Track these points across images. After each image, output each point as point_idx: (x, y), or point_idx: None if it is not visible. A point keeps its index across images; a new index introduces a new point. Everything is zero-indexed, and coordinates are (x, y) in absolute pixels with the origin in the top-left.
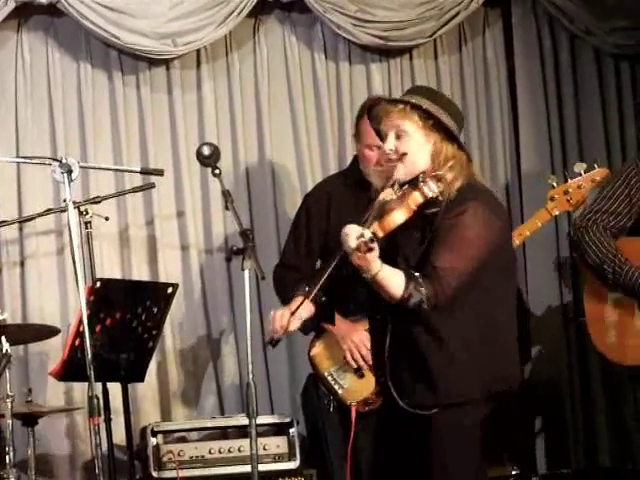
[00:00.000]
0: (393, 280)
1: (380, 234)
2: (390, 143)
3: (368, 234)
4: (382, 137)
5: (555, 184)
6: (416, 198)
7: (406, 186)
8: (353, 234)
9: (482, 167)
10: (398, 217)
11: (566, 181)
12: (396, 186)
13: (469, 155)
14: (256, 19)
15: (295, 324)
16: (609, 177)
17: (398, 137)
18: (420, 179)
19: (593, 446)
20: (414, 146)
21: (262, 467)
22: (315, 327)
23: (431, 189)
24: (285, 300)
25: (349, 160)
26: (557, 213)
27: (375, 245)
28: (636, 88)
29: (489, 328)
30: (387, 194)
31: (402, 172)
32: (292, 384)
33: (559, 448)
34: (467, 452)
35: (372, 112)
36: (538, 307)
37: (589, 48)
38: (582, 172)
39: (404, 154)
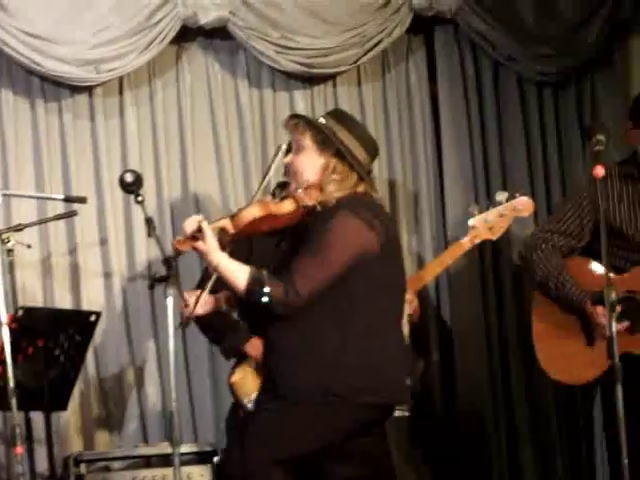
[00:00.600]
0: (236, 273)
1: (230, 229)
2: (288, 157)
3: (203, 224)
4: None
5: (477, 212)
6: (286, 205)
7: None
8: (190, 223)
9: (406, 193)
10: (249, 214)
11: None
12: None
13: (365, 177)
14: (179, 46)
15: (199, 310)
16: (561, 200)
17: (297, 151)
18: (297, 188)
19: (518, 472)
20: (306, 160)
21: None
22: (236, 352)
23: (307, 198)
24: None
25: (272, 187)
26: (478, 242)
27: (207, 234)
28: (559, 115)
29: (353, 336)
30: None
31: (294, 185)
32: (216, 412)
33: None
34: (272, 445)
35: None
36: (462, 327)
37: (512, 75)
38: (504, 200)
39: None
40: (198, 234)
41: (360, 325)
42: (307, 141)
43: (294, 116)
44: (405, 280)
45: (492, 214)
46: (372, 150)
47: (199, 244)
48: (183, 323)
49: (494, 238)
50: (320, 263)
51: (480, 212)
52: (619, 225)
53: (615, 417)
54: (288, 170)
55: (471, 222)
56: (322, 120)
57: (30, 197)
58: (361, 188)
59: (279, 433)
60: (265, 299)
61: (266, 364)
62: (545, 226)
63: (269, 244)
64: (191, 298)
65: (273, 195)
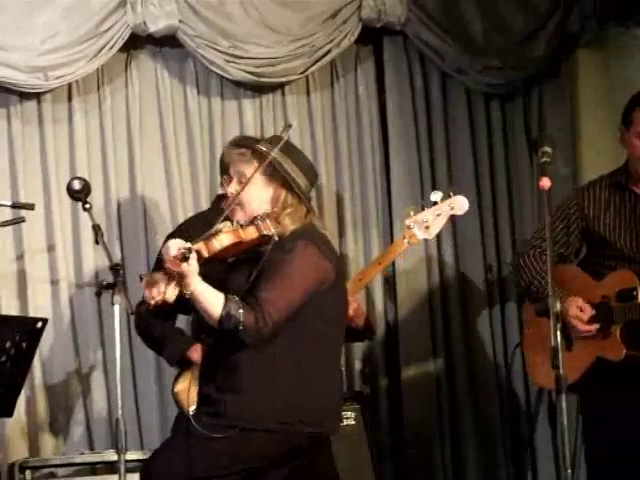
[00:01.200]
0: (212, 299)
1: (205, 253)
2: (232, 187)
3: (189, 245)
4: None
5: (412, 213)
6: (250, 232)
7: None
8: (175, 245)
9: (353, 203)
10: (223, 239)
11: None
12: (235, 223)
13: (310, 207)
14: (128, 54)
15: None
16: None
17: (241, 182)
18: (259, 217)
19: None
20: (254, 192)
21: None
22: (180, 358)
23: (266, 227)
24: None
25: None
26: (415, 242)
27: (192, 256)
28: (506, 126)
29: (297, 368)
30: (224, 225)
31: (240, 215)
32: (162, 419)
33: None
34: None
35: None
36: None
37: (460, 86)
38: (439, 200)
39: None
40: (189, 254)
41: (310, 354)
42: (252, 171)
43: (238, 144)
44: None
45: (428, 214)
46: (313, 178)
47: (184, 266)
48: (147, 307)
49: (430, 237)
50: (285, 292)
51: (416, 213)
52: (603, 233)
53: (593, 422)
54: (231, 200)
55: (407, 222)
56: (262, 148)
57: None
58: (309, 219)
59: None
60: (240, 327)
61: (216, 385)
62: (536, 234)
63: (215, 268)
64: (160, 282)
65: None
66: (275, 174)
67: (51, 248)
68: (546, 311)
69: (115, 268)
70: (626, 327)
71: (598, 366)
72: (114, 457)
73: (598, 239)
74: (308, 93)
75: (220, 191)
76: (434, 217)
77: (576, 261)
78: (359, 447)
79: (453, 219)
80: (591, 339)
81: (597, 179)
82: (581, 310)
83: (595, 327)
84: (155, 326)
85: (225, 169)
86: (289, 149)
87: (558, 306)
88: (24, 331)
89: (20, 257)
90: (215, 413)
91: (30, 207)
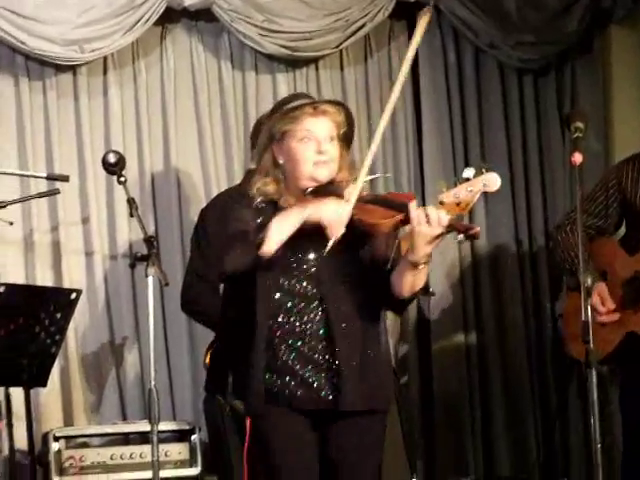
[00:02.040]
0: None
1: None
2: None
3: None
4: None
5: (445, 189)
6: None
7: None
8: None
9: (386, 178)
10: None
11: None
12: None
13: None
14: (163, 27)
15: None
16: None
17: (332, 140)
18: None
19: (491, 454)
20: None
21: (163, 473)
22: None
23: None
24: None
25: None
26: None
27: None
28: (539, 101)
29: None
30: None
31: (331, 174)
32: (194, 391)
33: (460, 457)
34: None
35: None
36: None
37: (493, 62)
38: (471, 177)
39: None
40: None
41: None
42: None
43: (338, 103)
44: None
45: (460, 190)
46: None
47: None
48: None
49: (464, 213)
50: None
51: (448, 189)
52: (638, 206)
53: (623, 395)
54: (330, 155)
55: (440, 197)
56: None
57: (13, 174)
58: None
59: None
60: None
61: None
62: (575, 211)
63: None
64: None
65: None
66: (347, 142)
67: (85, 220)
68: (577, 286)
69: (149, 240)
70: None
71: (632, 340)
72: (147, 427)
73: (636, 213)
74: (342, 68)
75: (252, 165)
76: (466, 193)
77: (613, 237)
78: (390, 421)
79: (485, 194)
80: (623, 314)
81: (635, 155)
82: (602, 300)
83: (614, 318)
84: None
85: None
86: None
87: (589, 281)
88: (58, 302)
89: (55, 229)
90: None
91: (65, 179)
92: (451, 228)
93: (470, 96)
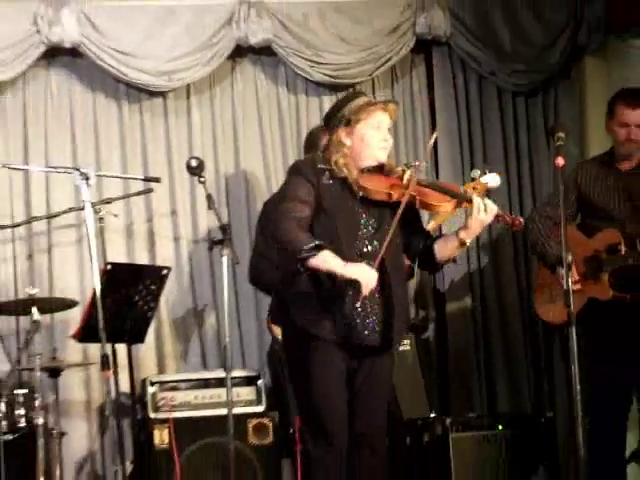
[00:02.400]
0: None
1: None
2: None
3: None
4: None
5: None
6: None
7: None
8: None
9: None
10: None
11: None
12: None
13: None
14: (234, 60)
15: None
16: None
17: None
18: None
19: (493, 394)
20: None
21: (235, 410)
22: None
23: None
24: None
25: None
26: (459, 209)
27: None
28: (529, 117)
29: None
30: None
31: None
32: (260, 345)
33: (466, 396)
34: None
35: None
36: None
37: (493, 86)
38: (476, 177)
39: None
40: None
41: None
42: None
43: (396, 103)
44: None
45: (469, 187)
46: None
47: None
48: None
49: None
50: None
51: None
52: (593, 200)
53: (587, 351)
54: (389, 142)
55: None
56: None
57: (117, 177)
58: None
59: None
60: None
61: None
62: (542, 202)
63: None
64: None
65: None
66: None
67: (173, 212)
68: (545, 263)
69: (223, 227)
70: (612, 274)
71: (592, 304)
72: (222, 374)
73: (589, 205)
74: (374, 92)
75: None
76: (473, 189)
77: (574, 223)
78: (413, 367)
79: (487, 192)
80: (585, 284)
81: (589, 159)
82: (573, 261)
83: (579, 287)
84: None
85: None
86: None
87: (570, 258)
88: (152, 277)
89: (149, 219)
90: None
91: (157, 180)
92: (501, 218)
93: (475, 113)
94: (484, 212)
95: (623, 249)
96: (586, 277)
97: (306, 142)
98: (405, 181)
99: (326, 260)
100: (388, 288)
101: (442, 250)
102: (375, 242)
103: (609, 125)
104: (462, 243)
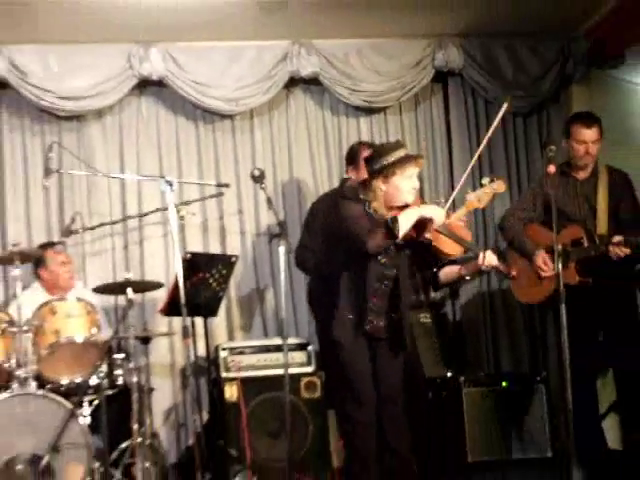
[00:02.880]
0: None
1: None
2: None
3: None
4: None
5: (470, 191)
6: None
7: None
8: None
9: (430, 187)
10: None
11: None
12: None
13: None
14: (288, 90)
15: None
16: (525, 190)
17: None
18: None
19: (498, 358)
20: None
21: (291, 370)
22: None
23: None
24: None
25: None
26: (471, 208)
27: None
28: (527, 134)
29: None
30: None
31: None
32: (310, 319)
33: (476, 359)
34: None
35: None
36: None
37: (497, 109)
38: (487, 183)
39: None
40: None
41: None
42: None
43: (422, 158)
44: None
45: (480, 191)
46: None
47: None
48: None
49: (481, 206)
50: None
51: (473, 191)
52: (558, 204)
53: (559, 327)
54: (417, 189)
55: (467, 197)
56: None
57: (194, 183)
58: None
59: None
60: None
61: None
62: (514, 205)
63: None
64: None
65: None
66: None
67: (240, 212)
68: (521, 255)
69: (280, 224)
70: (578, 263)
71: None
72: (280, 342)
73: (559, 212)
74: (401, 114)
75: (345, 176)
76: (484, 193)
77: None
78: (432, 337)
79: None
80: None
81: (547, 171)
82: (544, 263)
83: (551, 274)
84: None
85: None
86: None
87: (560, 247)
88: (223, 263)
89: (221, 217)
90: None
91: (227, 186)
92: (496, 269)
93: (483, 131)
94: (484, 260)
95: (586, 242)
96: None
97: (347, 155)
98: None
99: (406, 216)
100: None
101: (444, 277)
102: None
103: (567, 143)
104: (460, 277)
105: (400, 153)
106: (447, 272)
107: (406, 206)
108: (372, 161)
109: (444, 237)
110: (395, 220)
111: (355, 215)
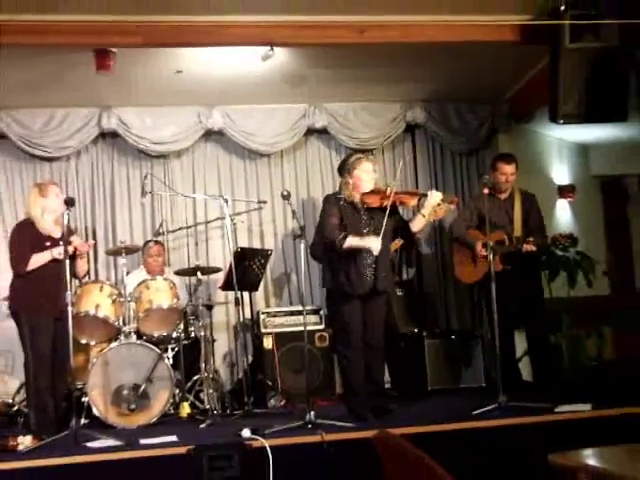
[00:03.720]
0: None
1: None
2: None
3: None
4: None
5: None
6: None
7: None
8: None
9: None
10: None
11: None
12: None
13: None
14: (306, 137)
15: None
16: (466, 202)
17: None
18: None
19: (449, 318)
20: None
21: (308, 328)
22: None
23: None
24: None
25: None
26: (432, 219)
27: None
28: (469, 168)
29: None
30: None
31: None
32: (322, 292)
33: (434, 318)
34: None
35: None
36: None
37: (448, 150)
38: (446, 202)
39: None
40: None
41: None
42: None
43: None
44: None
45: (442, 205)
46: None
47: None
48: None
49: (438, 217)
50: None
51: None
52: (485, 216)
53: (489, 298)
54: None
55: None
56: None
57: (242, 200)
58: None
59: None
60: None
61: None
62: (459, 216)
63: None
64: None
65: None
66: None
67: (273, 220)
68: (469, 247)
69: (301, 228)
70: (501, 256)
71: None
72: (300, 308)
73: (483, 218)
74: (383, 154)
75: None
76: (442, 207)
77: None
78: (404, 304)
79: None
80: (485, 261)
81: (482, 193)
82: (482, 248)
83: (485, 254)
84: None
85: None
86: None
87: (492, 243)
88: (262, 255)
89: (261, 224)
90: None
91: (264, 202)
92: (445, 199)
93: (438, 165)
94: (432, 197)
95: (507, 242)
96: (486, 257)
97: (338, 169)
98: (388, 193)
99: (352, 240)
100: (378, 257)
101: (414, 225)
102: (371, 233)
103: (494, 174)
104: (423, 215)
105: (358, 155)
106: (414, 221)
107: (373, 191)
108: (341, 167)
109: (404, 195)
110: (345, 237)
111: (327, 214)
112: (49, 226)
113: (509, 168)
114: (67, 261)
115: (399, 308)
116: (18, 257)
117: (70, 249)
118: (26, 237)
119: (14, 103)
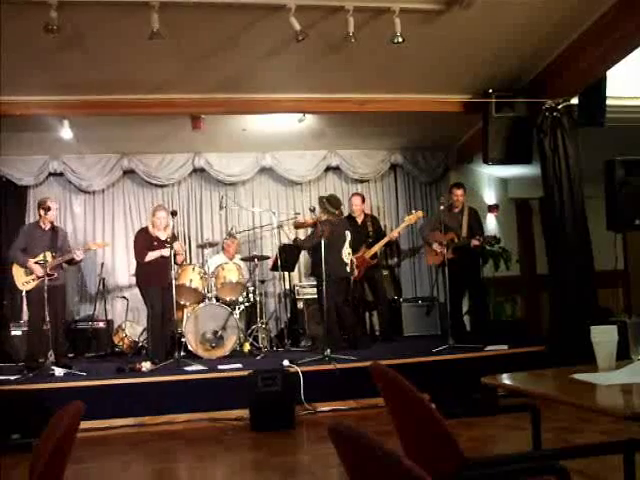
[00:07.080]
0: None
1: None
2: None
3: None
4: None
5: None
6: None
7: None
8: None
9: (385, 222)
10: None
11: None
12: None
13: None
14: (325, 172)
15: None
16: (431, 216)
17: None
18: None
19: (416, 290)
20: None
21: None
22: None
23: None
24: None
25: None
26: (408, 224)
27: None
28: (431, 195)
29: None
30: None
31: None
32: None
33: (409, 289)
34: None
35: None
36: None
37: (417, 181)
38: (413, 213)
39: None
40: None
41: None
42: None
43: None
44: None
45: (410, 216)
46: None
47: None
48: None
49: (410, 223)
50: None
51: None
52: (446, 223)
53: (444, 276)
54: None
55: (405, 219)
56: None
57: (283, 213)
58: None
59: None
60: None
61: None
62: (424, 223)
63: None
64: None
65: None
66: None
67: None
68: (430, 245)
69: (323, 232)
70: (453, 249)
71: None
72: (314, 283)
73: (444, 225)
74: (375, 183)
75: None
76: (411, 217)
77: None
78: (389, 280)
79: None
80: (442, 253)
81: (445, 207)
82: (439, 244)
83: (443, 250)
84: None
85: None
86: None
87: (445, 241)
88: (296, 248)
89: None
90: None
91: (298, 214)
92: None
93: (411, 192)
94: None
95: (456, 240)
96: (441, 251)
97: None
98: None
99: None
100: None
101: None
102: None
103: (449, 196)
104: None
105: (331, 200)
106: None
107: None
108: (319, 204)
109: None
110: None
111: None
112: (157, 232)
113: (460, 192)
114: (172, 257)
115: (387, 283)
116: (138, 253)
117: (173, 251)
118: (142, 239)
119: (141, 150)
